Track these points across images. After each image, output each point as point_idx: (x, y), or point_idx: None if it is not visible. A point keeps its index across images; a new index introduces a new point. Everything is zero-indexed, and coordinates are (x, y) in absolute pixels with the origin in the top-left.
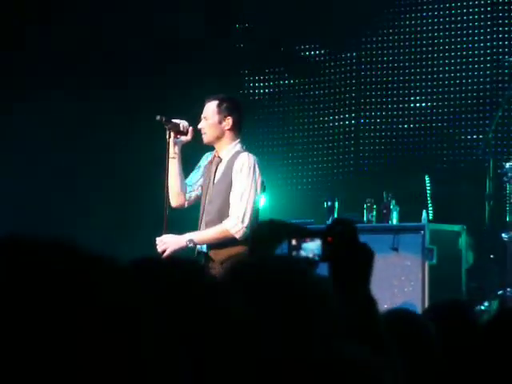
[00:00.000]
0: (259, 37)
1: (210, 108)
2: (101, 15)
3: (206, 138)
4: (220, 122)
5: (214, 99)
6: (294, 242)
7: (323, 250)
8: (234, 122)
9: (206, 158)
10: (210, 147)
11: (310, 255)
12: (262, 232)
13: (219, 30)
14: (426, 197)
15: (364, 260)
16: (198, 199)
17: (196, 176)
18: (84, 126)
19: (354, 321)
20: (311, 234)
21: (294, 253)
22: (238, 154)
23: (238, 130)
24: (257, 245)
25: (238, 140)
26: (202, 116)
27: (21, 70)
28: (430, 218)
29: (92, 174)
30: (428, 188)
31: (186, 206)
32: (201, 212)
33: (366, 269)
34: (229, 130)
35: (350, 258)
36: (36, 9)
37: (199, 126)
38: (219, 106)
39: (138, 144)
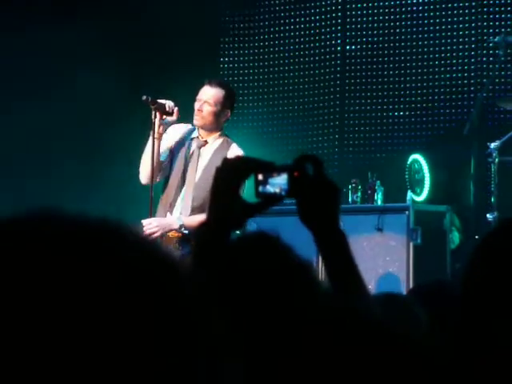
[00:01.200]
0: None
1: (216, 95)
2: None
3: (201, 121)
4: (220, 113)
5: (219, 86)
6: (260, 176)
7: (290, 184)
8: (229, 116)
9: (176, 130)
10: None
11: (277, 190)
12: (227, 168)
13: None
14: (412, 177)
15: (331, 196)
16: (164, 175)
17: (165, 150)
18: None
19: (329, 260)
20: (278, 169)
21: (261, 188)
22: (227, 144)
23: (226, 122)
24: (221, 183)
25: (222, 130)
26: (203, 98)
27: None
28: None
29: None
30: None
31: (155, 183)
32: (173, 193)
33: (334, 204)
34: (223, 121)
35: (317, 194)
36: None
37: (198, 108)
38: (226, 97)
39: (119, 122)
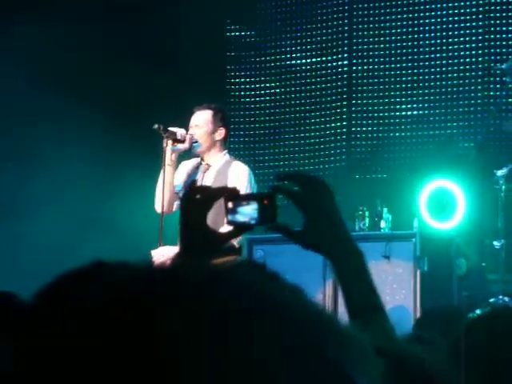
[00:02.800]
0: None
1: (204, 117)
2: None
3: (197, 146)
4: (213, 132)
5: (207, 108)
6: (230, 205)
7: (259, 213)
8: (225, 134)
9: (185, 165)
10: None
11: (246, 219)
12: (190, 199)
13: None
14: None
15: (323, 199)
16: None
17: (180, 183)
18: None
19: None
20: (247, 198)
21: (230, 216)
22: (229, 163)
23: (226, 140)
24: (185, 214)
25: (226, 150)
26: (193, 124)
27: None
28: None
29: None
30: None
31: (171, 213)
32: None
33: (333, 208)
34: (220, 140)
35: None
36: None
37: (189, 134)
38: (214, 115)
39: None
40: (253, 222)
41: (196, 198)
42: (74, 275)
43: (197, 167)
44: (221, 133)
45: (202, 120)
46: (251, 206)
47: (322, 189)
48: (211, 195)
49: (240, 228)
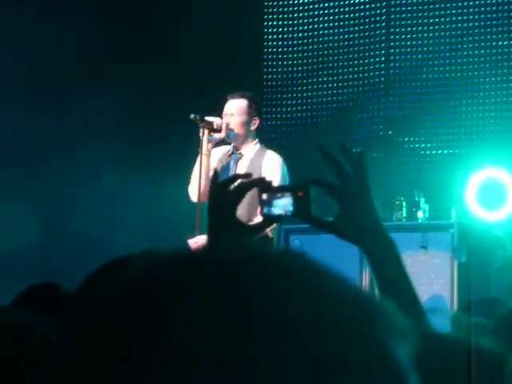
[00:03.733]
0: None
1: (239, 106)
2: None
3: (232, 134)
4: (248, 122)
5: (241, 97)
6: (264, 196)
7: (294, 205)
8: (259, 123)
9: (216, 153)
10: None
11: (282, 212)
12: (220, 192)
13: None
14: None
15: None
16: None
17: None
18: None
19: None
20: (281, 190)
21: (266, 209)
22: (262, 151)
23: (259, 130)
24: (214, 207)
25: (258, 139)
26: (228, 112)
27: None
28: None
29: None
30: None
31: (206, 201)
32: None
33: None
34: (254, 129)
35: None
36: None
37: (225, 122)
38: (249, 105)
39: (167, 141)
40: (288, 214)
41: (228, 190)
42: (114, 263)
43: (229, 155)
44: (255, 123)
45: (237, 109)
46: (286, 198)
47: (360, 173)
48: (243, 187)
49: (271, 220)
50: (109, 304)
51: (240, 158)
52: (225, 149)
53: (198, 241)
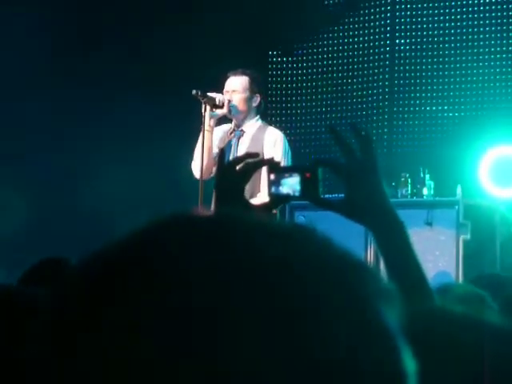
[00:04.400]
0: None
1: (241, 82)
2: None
3: (234, 110)
4: (250, 98)
5: (243, 74)
6: (272, 176)
7: (302, 185)
8: (261, 100)
9: (219, 130)
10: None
11: (290, 191)
12: (227, 171)
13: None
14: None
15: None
16: None
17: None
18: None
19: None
20: (289, 170)
21: (274, 188)
22: (264, 128)
23: (260, 106)
24: (222, 187)
25: (259, 115)
26: (230, 89)
27: None
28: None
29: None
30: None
31: (209, 178)
32: None
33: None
34: (255, 106)
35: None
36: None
37: (228, 98)
38: (251, 82)
39: (170, 119)
40: (296, 194)
41: (234, 169)
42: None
43: (230, 133)
44: (257, 99)
45: (239, 85)
46: (294, 179)
47: (368, 153)
48: (250, 167)
49: (280, 200)
50: (110, 259)
51: (241, 135)
52: (226, 127)
53: None
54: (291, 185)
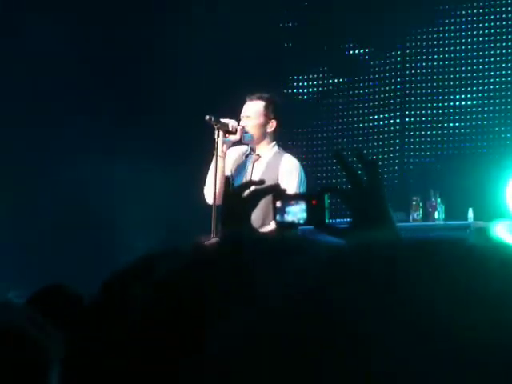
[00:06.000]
0: (302, 36)
1: (255, 108)
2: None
3: (248, 137)
4: (265, 124)
5: (259, 99)
6: (278, 204)
7: (308, 213)
8: (276, 125)
9: (232, 153)
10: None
11: (295, 219)
12: (235, 198)
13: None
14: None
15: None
16: None
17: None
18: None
19: None
20: (295, 197)
21: (279, 216)
22: (280, 154)
23: (277, 132)
24: (229, 212)
25: (275, 141)
26: (245, 115)
27: None
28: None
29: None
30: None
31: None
32: None
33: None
34: (270, 132)
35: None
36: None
37: (241, 124)
38: (266, 107)
39: (183, 144)
40: (301, 221)
41: (241, 196)
42: (127, 271)
43: (246, 156)
44: (272, 125)
45: (253, 111)
46: (299, 206)
47: (375, 180)
48: (258, 193)
49: (284, 228)
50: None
51: (257, 160)
52: (241, 149)
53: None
54: (295, 212)
